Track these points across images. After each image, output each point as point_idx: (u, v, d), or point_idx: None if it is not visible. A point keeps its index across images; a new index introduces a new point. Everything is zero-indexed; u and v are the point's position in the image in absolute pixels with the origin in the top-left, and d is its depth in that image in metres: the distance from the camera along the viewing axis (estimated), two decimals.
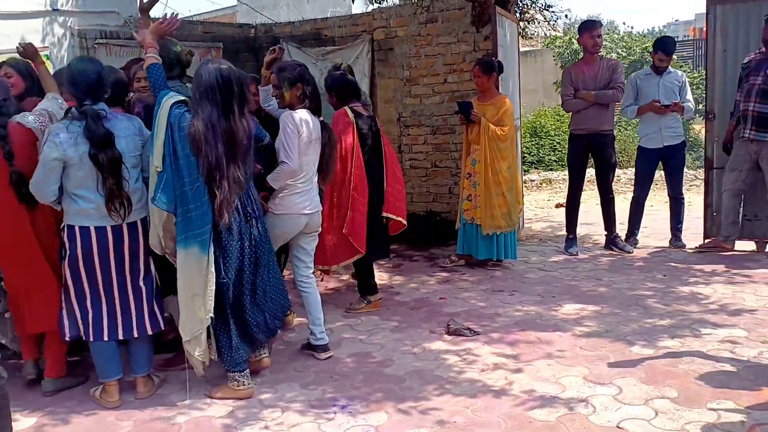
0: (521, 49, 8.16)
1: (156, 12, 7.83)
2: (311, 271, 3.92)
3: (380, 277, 5.55)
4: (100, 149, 3.05)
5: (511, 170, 5.53)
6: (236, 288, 3.27)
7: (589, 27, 6.00)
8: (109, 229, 3.18)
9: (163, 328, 3.47)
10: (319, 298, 3.90)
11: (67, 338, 3.31)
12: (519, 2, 7.84)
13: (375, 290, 4.76)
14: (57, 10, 6.20)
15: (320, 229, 3.94)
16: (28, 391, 3.53)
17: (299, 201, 3.68)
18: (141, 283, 3.32)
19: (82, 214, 3.14)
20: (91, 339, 3.27)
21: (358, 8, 11.40)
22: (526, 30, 8.04)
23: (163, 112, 3.06)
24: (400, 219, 4.77)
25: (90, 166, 3.08)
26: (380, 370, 3.65)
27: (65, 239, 3.18)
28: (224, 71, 3.10)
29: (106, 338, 3.27)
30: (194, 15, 18.29)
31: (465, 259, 5.78)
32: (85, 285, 3.22)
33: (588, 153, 6.07)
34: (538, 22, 8.62)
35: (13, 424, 3.11)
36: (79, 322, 3.26)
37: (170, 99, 3.10)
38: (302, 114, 3.65)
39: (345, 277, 5.62)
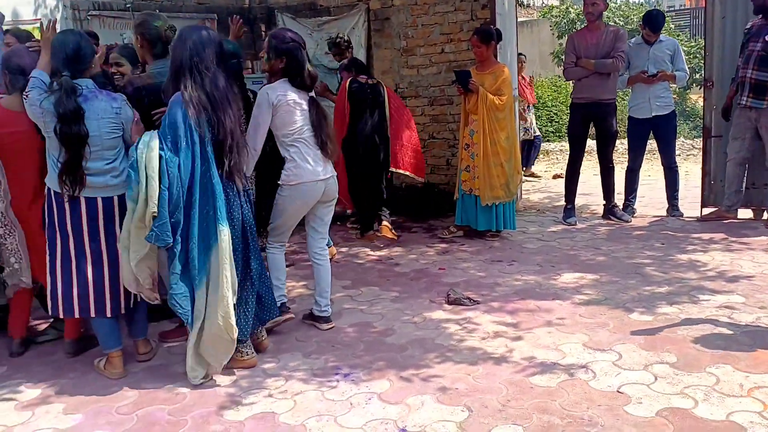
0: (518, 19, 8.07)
1: None
2: (325, 242, 3.91)
3: (378, 248, 5.57)
4: (65, 124, 3.01)
5: (509, 140, 5.52)
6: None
7: None
8: (99, 200, 3.17)
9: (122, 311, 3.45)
10: (330, 270, 3.90)
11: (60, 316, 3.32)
12: None
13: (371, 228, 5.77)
14: None
15: (336, 197, 3.88)
16: (32, 363, 3.55)
17: (311, 168, 3.62)
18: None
19: (55, 179, 3.12)
20: (93, 315, 3.28)
21: None
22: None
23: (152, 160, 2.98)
24: (408, 173, 5.78)
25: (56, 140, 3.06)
26: (381, 339, 3.68)
27: (44, 202, 3.21)
28: (206, 37, 3.09)
29: (109, 315, 3.29)
30: None
31: (463, 230, 5.79)
32: (59, 252, 3.20)
33: (588, 122, 6.05)
34: None
35: (18, 395, 3.16)
36: (48, 292, 3.25)
37: (153, 142, 3.00)
38: (275, 86, 3.59)
39: (344, 249, 5.64)
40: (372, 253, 5.49)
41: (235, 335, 3.15)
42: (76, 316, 3.29)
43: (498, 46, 5.67)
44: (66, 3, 6.15)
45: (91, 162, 3.13)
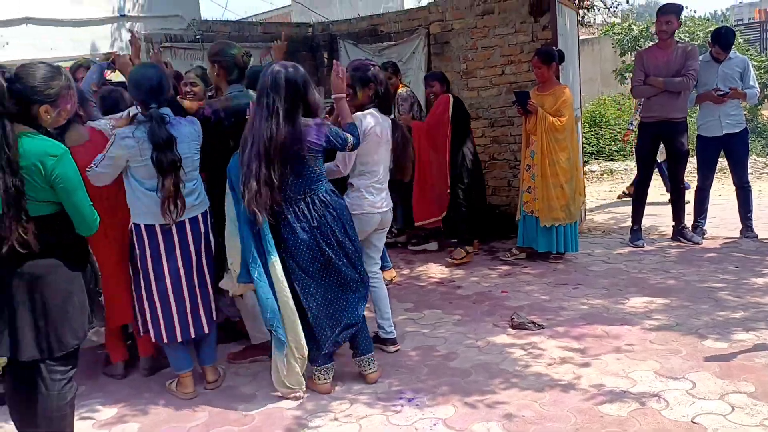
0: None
1: (215, 13, 7.95)
2: (378, 266, 3.95)
3: (441, 270, 5.57)
4: (161, 152, 3.13)
5: (570, 161, 5.44)
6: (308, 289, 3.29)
7: (659, 11, 5.81)
8: (173, 226, 3.26)
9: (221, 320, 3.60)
10: (386, 293, 3.93)
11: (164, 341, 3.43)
12: None
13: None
14: (124, 15, 6.46)
15: (390, 225, 3.95)
16: (109, 383, 3.69)
17: (373, 200, 3.69)
18: (207, 278, 3.42)
19: (147, 212, 3.24)
20: (165, 341, 3.39)
21: (411, 3, 11.39)
22: (585, 17, 7.86)
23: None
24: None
25: (153, 169, 3.16)
26: (445, 363, 3.67)
27: (134, 238, 3.30)
28: (276, 73, 3.13)
29: (179, 339, 3.39)
30: (251, 16, 18.66)
31: (526, 252, 5.72)
32: (153, 283, 3.32)
33: (658, 141, 5.90)
34: (598, 9, 8.42)
35: (96, 414, 3.29)
36: (149, 322, 3.36)
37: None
38: (368, 113, 3.67)
39: (405, 271, 5.65)
40: (433, 275, 5.49)
41: (305, 353, 3.23)
42: (179, 340, 3.38)
43: (560, 67, 5.63)
44: (141, 37, 6.46)
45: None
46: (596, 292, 4.71)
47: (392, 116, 3.83)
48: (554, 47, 5.62)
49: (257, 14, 19.28)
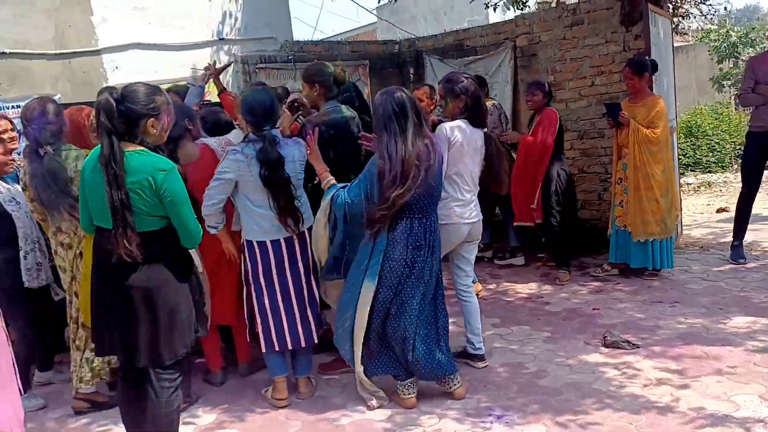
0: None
1: (306, 33, 8.24)
2: (470, 279, 3.95)
3: (528, 286, 5.50)
4: (270, 171, 3.30)
5: (665, 174, 5.26)
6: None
7: None
8: (282, 241, 3.43)
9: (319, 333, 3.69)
10: (478, 307, 3.92)
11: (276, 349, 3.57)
12: None
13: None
14: (223, 39, 6.81)
15: (480, 238, 3.96)
16: (208, 390, 3.87)
17: (461, 210, 3.71)
18: (315, 290, 3.57)
19: (259, 229, 3.40)
20: (277, 349, 3.53)
21: (496, 16, 11.35)
22: (680, 25, 7.59)
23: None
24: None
25: (261, 186, 3.32)
26: (535, 381, 3.62)
27: (245, 254, 3.47)
28: (398, 98, 3.24)
29: (290, 347, 3.54)
30: (338, 33, 19.12)
31: (618, 267, 5.56)
32: (265, 296, 3.48)
33: (766, 152, 5.61)
34: (694, 17, 8.11)
35: (197, 420, 3.45)
36: (260, 332, 3.52)
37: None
38: (455, 124, 3.70)
39: (491, 285, 5.62)
40: (521, 290, 5.42)
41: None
42: (290, 348, 3.53)
43: (653, 77, 5.46)
44: (237, 58, 6.78)
45: None
46: (695, 310, 4.51)
47: (485, 129, 3.83)
48: (647, 57, 5.46)
49: (344, 32, 19.73)
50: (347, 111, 3.94)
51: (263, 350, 3.54)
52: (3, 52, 5.86)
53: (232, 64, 6.63)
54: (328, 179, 3.44)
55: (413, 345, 3.31)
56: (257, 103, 3.40)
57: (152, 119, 2.63)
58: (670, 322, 4.33)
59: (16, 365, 2.81)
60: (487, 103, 6.00)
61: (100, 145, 2.57)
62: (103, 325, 2.68)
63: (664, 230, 5.25)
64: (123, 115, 2.56)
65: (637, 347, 3.93)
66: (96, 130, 2.62)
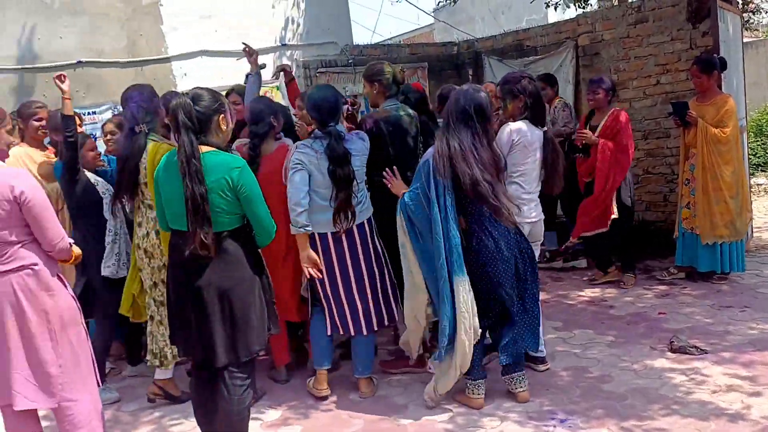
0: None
1: (365, 36, 8.33)
2: None
3: (592, 290, 5.41)
4: (338, 165, 3.39)
5: (735, 174, 5.10)
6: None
7: None
8: (343, 233, 3.52)
9: (387, 324, 3.76)
10: (540, 309, 3.89)
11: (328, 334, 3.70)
12: None
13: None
14: (285, 45, 6.96)
15: (542, 239, 3.94)
16: (274, 387, 3.97)
17: (522, 209, 3.69)
18: (377, 280, 3.64)
19: (321, 222, 3.49)
20: (341, 333, 3.67)
21: (555, 15, 11.18)
22: (750, 21, 7.31)
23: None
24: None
25: (328, 181, 3.42)
26: (598, 385, 3.58)
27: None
28: (478, 98, 3.28)
29: (352, 333, 3.65)
30: (396, 36, 19.20)
31: (685, 271, 5.41)
32: (328, 285, 3.59)
33: None
34: (765, 12, 7.80)
35: (263, 416, 3.56)
36: (327, 317, 3.65)
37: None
38: (517, 126, 3.70)
39: (553, 289, 5.56)
40: (583, 294, 5.35)
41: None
42: (352, 333, 3.66)
43: (722, 75, 5.30)
44: (299, 63, 6.94)
45: None
46: (767, 315, 4.36)
47: (545, 128, 3.82)
48: (715, 55, 5.30)
49: (402, 34, 19.79)
50: (407, 110, 4.00)
51: (311, 331, 3.69)
52: (79, 61, 6.15)
53: (295, 69, 6.79)
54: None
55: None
56: (323, 100, 3.50)
57: (221, 115, 2.75)
58: (740, 327, 4.20)
59: (94, 359, 2.98)
60: (556, 101, 5.97)
61: (175, 148, 2.69)
62: (180, 325, 2.80)
63: (733, 233, 5.10)
64: (198, 112, 2.67)
65: (706, 353, 3.83)
66: (174, 129, 2.74)
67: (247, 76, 4.48)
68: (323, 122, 3.50)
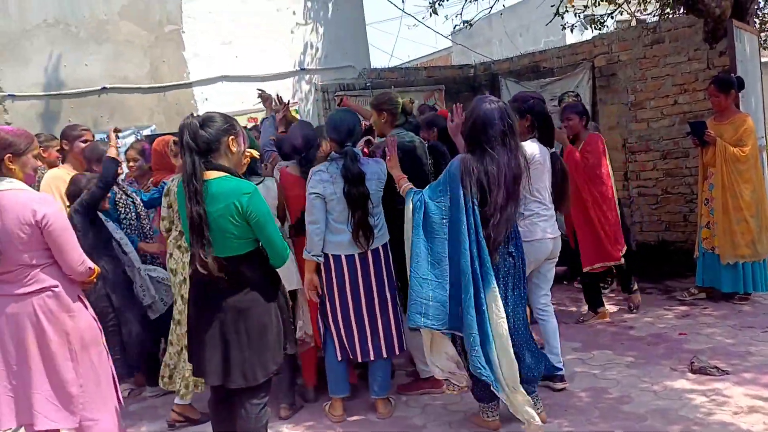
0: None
1: (382, 60, 8.43)
2: (549, 298, 3.93)
3: (610, 309, 5.37)
4: (352, 185, 3.44)
5: (755, 194, 5.07)
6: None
7: None
8: (356, 256, 3.55)
9: (400, 351, 3.74)
10: (557, 326, 3.89)
11: (338, 359, 3.69)
12: (759, 12, 7.18)
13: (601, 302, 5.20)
14: (304, 69, 7.09)
15: (557, 256, 3.94)
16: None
17: (545, 225, 3.74)
18: (389, 307, 3.63)
19: (336, 244, 3.53)
20: (339, 359, 3.66)
21: (573, 37, 11.23)
22: None
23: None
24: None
25: (344, 202, 3.47)
26: (618, 406, 3.55)
27: (322, 267, 3.60)
28: (497, 110, 3.18)
29: (359, 360, 3.64)
30: (414, 59, 19.36)
31: (706, 291, 5.35)
32: (338, 308, 3.60)
33: None
34: None
35: None
36: (336, 341, 3.66)
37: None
38: (527, 146, 3.72)
39: (572, 309, 5.52)
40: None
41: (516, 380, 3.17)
42: (360, 360, 3.66)
43: (740, 95, 5.29)
44: (317, 87, 7.05)
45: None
46: None
47: (552, 149, 3.85)
48: (732, 75, 5.29)
49: (420, 57, 19.96)
50: (414, 137, 4.05)
51: (325, 358, 3.69)
52: (104, 88, 6.32)
53: (313, 93, 6.91)
54: (405, 185, 3.39)
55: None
56: (341, 121, 3.59)
57: (232, 137, 2.73)
58: (762, 348, 4.14)
59: (116, 380, 3.03)
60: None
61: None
62: (198, 345, 2.82)
63: (754, 253, 5.05)
64: (206, 134, 2.67)
65: (727, 373, 3.79)
66: (178, 151, 2.76)
67: (262, 120, 4.62)
68: (341, 142, 3.56)
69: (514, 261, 3.30)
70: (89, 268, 2.90)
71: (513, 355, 3.12)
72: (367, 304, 3.60)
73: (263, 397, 2.85)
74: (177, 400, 3.79)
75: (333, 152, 3.61)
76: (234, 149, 2.76)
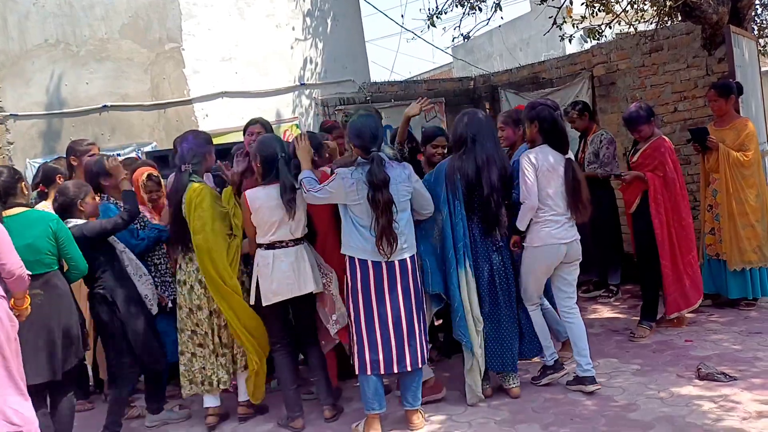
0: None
1: (383, 76, 8.46)
2: (574, 301, 3.91)
3: (616, 317, 5.32)
4: (377, 190, 3.38)
5: (760, 198, 5.03)
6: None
7: None
8: (384, 264, 3.47)
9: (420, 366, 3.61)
10: (584, 328, 3.86)
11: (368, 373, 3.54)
12: (757, 18, 7.19)
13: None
14: (304, 84, 7.12)
15: (580, 258, 3.92)
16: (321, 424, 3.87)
17: (555, 232, 3.74)
18: (415, 318, 3.53)
19: (361, 248, 3.47)
20: (368, 372, 3.50)
21: (573, 49, 11.27)
22: (767, 47, 7.30)
23: None
24: None
25: (368, 207, 3.42)
26: (624, 414, 3.49)
27: (347, 269, 3.55)
28: (484, 117, 3.88)
29: (382, 372, 3.49)
30: (415, 75, 19.46)
31: (712, 298, 5.30)
32: (362, 315, 3.50)
33: None
34: None
35: None
36: (355, 352, 3.53)
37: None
38: (540, 151, 3.75)
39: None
40: (608, 322, 5.26)
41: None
42: (382, 372, 3.50)
43: (739, 100, 5.27)
44: (317, 101, 7.07)
45: None
46: None
47: (568, 155, 3.84)
48: (731, 80, 5.29)
49: (420, 74, 20.04)
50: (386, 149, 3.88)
51: (357, 373, 3.55)
52: (105, 105, 6.35)
53: (313, 107, 6.92)
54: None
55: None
56: (364, 126, 3.53)
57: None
58: None
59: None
60: (602, 133, 5.83)
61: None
62: None
63: (761, 258, 5.01)
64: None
65: (735, 379, 3.73)
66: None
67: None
68: (366, 148, 3.50)
69: (502, 257, 3.82)
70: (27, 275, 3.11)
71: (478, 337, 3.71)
72: (393, 314, 3.48)
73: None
74: (208, 402, 3.85)
75: (359, 158, 3.54)
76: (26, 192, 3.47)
